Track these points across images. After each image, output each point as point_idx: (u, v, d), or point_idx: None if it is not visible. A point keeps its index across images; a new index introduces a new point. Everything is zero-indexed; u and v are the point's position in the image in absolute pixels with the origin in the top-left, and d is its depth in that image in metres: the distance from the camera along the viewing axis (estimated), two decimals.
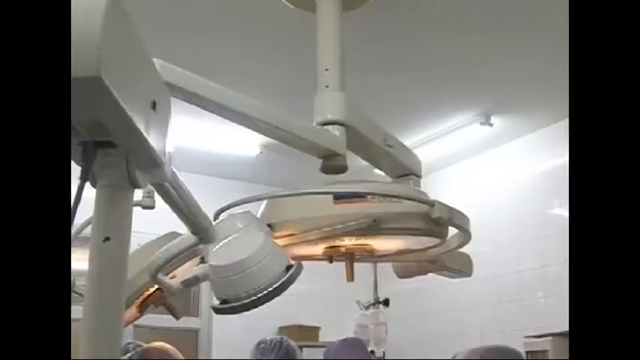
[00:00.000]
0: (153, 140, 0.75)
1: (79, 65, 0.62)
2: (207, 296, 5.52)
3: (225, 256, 1.30)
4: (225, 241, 1.35)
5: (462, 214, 1.69)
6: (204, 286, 5.62)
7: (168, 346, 2.83)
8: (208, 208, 1.29)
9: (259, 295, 1.27)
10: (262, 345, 3.55)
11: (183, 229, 1.35)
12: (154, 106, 0.76)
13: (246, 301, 1.27)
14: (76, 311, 0.77)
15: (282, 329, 5.87)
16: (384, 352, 4.89)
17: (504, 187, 5.31)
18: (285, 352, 3.52)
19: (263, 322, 5.52)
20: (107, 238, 0.77)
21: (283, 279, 1.29)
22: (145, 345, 2.86)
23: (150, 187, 3.08)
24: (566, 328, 4.04)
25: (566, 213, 4.75)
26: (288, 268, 1.31)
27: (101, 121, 0.69)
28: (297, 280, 1.34)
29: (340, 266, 1.80)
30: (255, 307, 1.29)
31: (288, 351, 3.55)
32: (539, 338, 4.29)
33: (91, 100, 0.65)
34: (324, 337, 5.68)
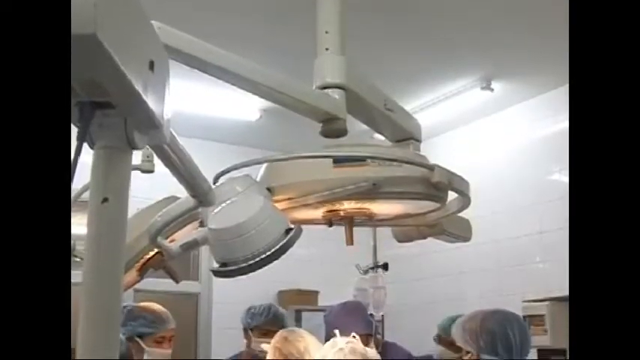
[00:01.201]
0: (151, 101, 0.74)
1: (75, 23, 0.61)
2: (207, 260, 5.55)
3: (225, 220, 1.30)
4: (225, 204, 1.34)
5: (462, 179, 1.69)
6: (204, 250, 5.65)
7: (154, 305, 2.85)
8: (208, 173, 1.29)
9: (258, 258, 1.27)
10: (252, 310, 3.71)
11: (182, 193, 1.35)
12: (151, 66, 0.75)
13: (246, 264, 1.27)
14: (77, 276, 0.77)
15: (282, 293, 5.91)
16: (382, 316, 4.92)
17: (504, 152, 5.30)
18: (273, 316, 3.65)
19: (263, 287, 5.56)
20: (105, 199, 0.76)
21: (282, 242, 1.29)
22: (132, 304, 2.89)
23: (149, 151, 3.07)
24: (563, 292, 4.08)
25: (565, 179, 4.75)
26: (288, 231, 1.31)
27: (98, 80, 0.68)
28: (296, 244, 1.33)
29: (339, 230, 1.80)
30: (255, 270, 1.29)
31: (277, 315, 3.69)
32: (536, 302, 4.33)
33: (87, 59, 0.64)
34: (323, 301, 5.72)
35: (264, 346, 2.74)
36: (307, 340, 2.66)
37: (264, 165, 1.68)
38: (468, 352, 2.13)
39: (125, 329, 2.68)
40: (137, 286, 2.34)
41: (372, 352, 2.56)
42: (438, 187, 1.60)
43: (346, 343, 2.50)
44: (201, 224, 1.46)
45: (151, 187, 2.65)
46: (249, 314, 3.72)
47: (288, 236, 1.30)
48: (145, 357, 2.70)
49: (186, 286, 5.43)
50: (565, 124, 4.69)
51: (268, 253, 1.27)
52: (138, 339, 2.71)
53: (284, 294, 5.90)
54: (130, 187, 0.80)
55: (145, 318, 2.74)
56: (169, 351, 2.78)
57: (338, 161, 1.56)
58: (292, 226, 1.34)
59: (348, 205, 1.69)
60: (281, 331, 2.82)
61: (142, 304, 2.88)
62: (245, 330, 3.75)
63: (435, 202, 1.71)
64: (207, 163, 1.35)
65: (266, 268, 1.32)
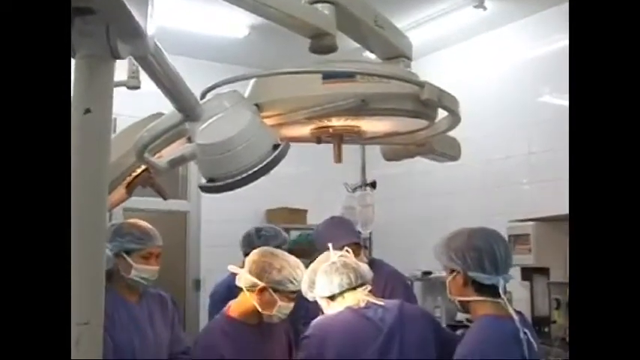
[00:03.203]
0: (133, 7, 0.71)
1: None
2: (195, 179, 5.56)
3: (212, 135, 1.29)
4: (212, 120, 1.33)
5: (452, 97, 1.67)
6: (193, 169, 5.61)
7: (141, 222, 2.86)
8: (195, 91, 1.27)
9: (246, 173, 1.26)
10: (264, 233, 3.64)
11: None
12: None
13: (233, 179, 1.27)
14: None
15: (270, 212, 5.96)
16: (370, 234, 4.99)
17: (495, 72, 5.25)
18: (283, 239, 3.66)
19: (251, 205, 5.59)
20: (88, 110, 0.75)
21: (270, 158, 1.28)
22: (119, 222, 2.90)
23: (135, 67, 2.99)
24: (548, 213, 4.13)
25: (555, 101, 4.73)
26: (276, 147, 1.30)
27: None
28: (284, 162, 1.33)
29: (328, 149, 1.79)
30: (242, 185, 1.28)
31: (284, 239, 3.67)
32: (522, 222, 4.38)
33: None
34: (311, 219, 5.77)
35: (233, 268, 2.71)
36: (292, 256, 2.68)
37: (253, 81, 1.65)
38: (452, 271, 2.14)
39: (113, 245, 2.70)
40: (126, 204, 2.34)
41: (364, 266, 2.59)
42: (428, 104, 1.59)
43: (339, 257, 2.53)
44: (189, 140, 1.44)
45: (137, 106, 2.61)
46: (262, 237, 3.62)
47: (276, 152, 1.29)
48: (133, 273, 2.73)
49: (175, 204, 5.46)
50: (557, 45, 4.63)
51: (256, 168, 1.27)
52: (125, 255, 2.73)
53: (272, 212, 5.94)
54: (113, 97, 0.78)
55: (132, 234, 2.76)
56: (157, 267, 2.81)
57: (327, 77, 1.53)
58: (280, 142, 1.33)
59: (337, 122, 1.68)
60: (261, 248, 2.79)
61: (130, 220, 2.89)
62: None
63: (425, 119, 1.70)
64: (194, 81, 1.32)
65: (254, 186, 1.31)
